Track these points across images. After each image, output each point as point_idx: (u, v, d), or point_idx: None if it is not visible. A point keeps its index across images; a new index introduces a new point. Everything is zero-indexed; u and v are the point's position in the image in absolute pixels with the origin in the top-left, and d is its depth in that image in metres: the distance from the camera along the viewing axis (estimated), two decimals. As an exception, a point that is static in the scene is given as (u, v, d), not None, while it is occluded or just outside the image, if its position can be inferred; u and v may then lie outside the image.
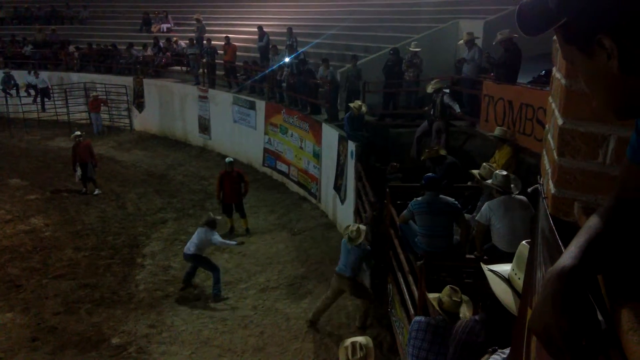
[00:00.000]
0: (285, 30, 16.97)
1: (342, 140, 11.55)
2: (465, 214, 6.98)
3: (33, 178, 15.23)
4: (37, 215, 12.66)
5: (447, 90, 10.68)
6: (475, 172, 7.11)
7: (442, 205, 6.50)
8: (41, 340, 8.37)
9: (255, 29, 18.28)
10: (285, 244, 11.22)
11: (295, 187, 14.08)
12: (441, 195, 6.60)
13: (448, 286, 4.93)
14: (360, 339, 4.61)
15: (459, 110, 10.21)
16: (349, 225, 8.04)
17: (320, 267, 10.15)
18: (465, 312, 4.83)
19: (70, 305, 9.17)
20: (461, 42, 11.63)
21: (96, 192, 14.06)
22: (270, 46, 16.46)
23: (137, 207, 13.32)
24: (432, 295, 5.15)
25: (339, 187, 11.72)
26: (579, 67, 0.93)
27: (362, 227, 7.89)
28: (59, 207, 13.33)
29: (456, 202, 6.69)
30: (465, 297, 5.07)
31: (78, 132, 14.52)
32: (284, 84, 14.67)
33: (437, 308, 4.85)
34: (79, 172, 13.98)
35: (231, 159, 12.26)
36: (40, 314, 9.00)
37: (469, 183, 7.97)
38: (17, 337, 8.45)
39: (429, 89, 10.26)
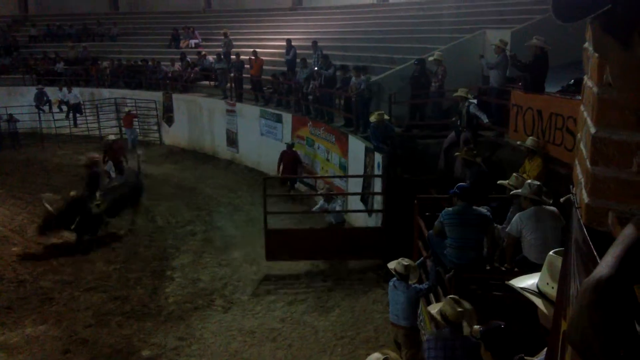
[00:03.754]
0: (310, 44, 17.11)
1: (368, 152, 11.53)
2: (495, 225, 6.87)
3: (66, 192, 15.48)
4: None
5: (474, 101, 10.59)
6: (505, 182, 7.02)
7: (473, 217, 6.34)
8: (73, 352, 8.48)
9: (282, 43, 18.47)
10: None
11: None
12: (474, 207, 6.47)
13: (449, 297, 4.87)
14: (391, 353, 4.56)
15: (487, 120, 10.11)
16: (395, 262, 6.79)
17: (348, 279, 10.13)
18: (468, 322, 4.76)
19: (101, 318, 9.29)
20: (492, 46, 11.45)
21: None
22: (299, 60, 16.57)
23: (166, 220, 13.49)
24: (433, 308, 5.07)
25: (365, 200, 11.69)
26: (612, 59, 0.90)
27: (411, 263, 6.81)
28: (90, 220, 13.53)
29: (488, 213, 6.52)
30: (467, 306, 4.98)
31: (113, 136, 15.86)
32: (310, 97, 14.74)
33: (441, 320, 4.79)
34: (110, 166, 14.72)
35: (292, 142, 14.51)
36: (72, 326, 9.12)
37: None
38: (50, 349, 8.57)
39: (459, 93, 10.16)
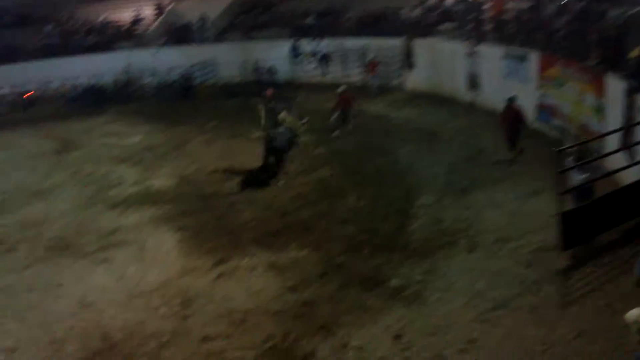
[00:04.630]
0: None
1: (630, 93, 10.42)
2: None
3: (319, 135, 16.94)
4: (324, 167, 14.20)
5: None
6: None
7: None
8: (330, 275, 9.46)
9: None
10: (562, 204, 10.63)
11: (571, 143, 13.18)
12: None
13: None
14: None
15: None
16: None
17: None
18: None
19: (354, 247, 10.17)
20: None
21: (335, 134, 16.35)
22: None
23: (410, 162, 13.99)
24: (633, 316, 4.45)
25: (628, 146, 10.63)
26: None
27: None
28: (342, 159, 14.71)
29: None
30: None
31: (344, 86, 17.33)
32: (561, 32, 13.69)
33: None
34: (334, 116, 16.83)
35: (513, 96, 13.12)
36: (329, 252, 10.16)
37: None
38: (310, 270, 9.67)
39: None
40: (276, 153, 13.83)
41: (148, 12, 31.03)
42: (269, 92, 15.36)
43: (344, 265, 9.72)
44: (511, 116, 12.90)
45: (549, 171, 11.94)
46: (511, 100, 13.01)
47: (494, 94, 16.84)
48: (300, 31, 25.50)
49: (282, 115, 14.12)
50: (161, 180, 14.60)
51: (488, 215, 10.68)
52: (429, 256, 9.67)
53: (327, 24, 25.39)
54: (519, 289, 8.34)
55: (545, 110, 14.48)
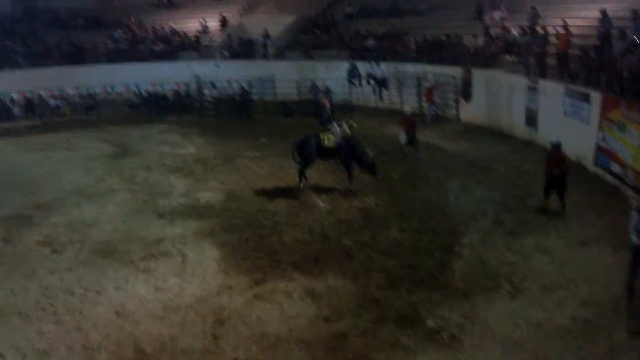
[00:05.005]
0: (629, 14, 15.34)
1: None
2: None
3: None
4: (370, 195, 14.09)
5: None
6: None
7: None
8: (365, 308, 9.30)
9: (595, 13, 16.87)
10: (614, 257, 10.20)
11: (630, 193, 12.65)
12: None
13: None
14: None
15: None
16: None
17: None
18: None
19: (392, 282, 9.99)
20: None
21: (420, 156, 16.89)
22: (615, 31, 14.92)
23: (458, 196, 13.73)
24: None
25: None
26: None
27: None
28: (389, 188, 14.61)
29: None
30: None
31: (407, 109, 18.06)
32: (626, 73, 13.18)
33: None
34: (403, 137, 17.13)
35: (557, 141, 12.42)
36: (367, 284, 10.01)
37: None
38: (346, 301, 9.55)
39: None
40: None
41: (214, 24, 31.80)
42: (325, 101, 15.68)
43: (381, 299, 9.55)
44: (555, 162, 12.11)
45: (603, 220, 11.61)
46: (557, 146, 12.29)
47: (552, 132, 16.34)
48: (359, 53, 25.58)
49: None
50: (209, 193, 14.82)
51: (535, 261, 10.31)
52: (469, 298, 9.40)
53: (387, 48, 25.39)
54: (561, 345, 7.97)
55: (604, 154, 13.93)
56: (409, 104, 21.62)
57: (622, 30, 14.52)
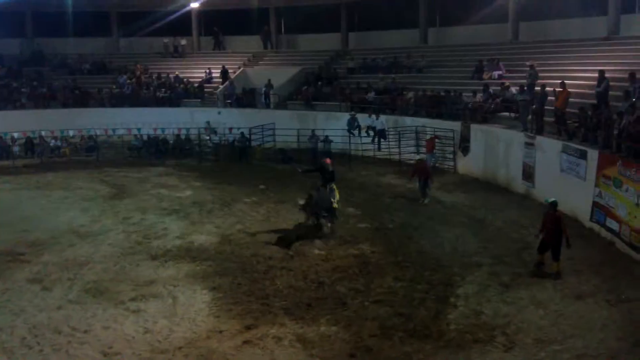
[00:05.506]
0: (626, 76, 15.67)
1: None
2: None
3: (365, 209, 16.98)
4: (365, 242, 14.04)
5: None
6: None
7: None
8: (357, 357, 9.07)
9: (592, 74, 17.25)
10: (610, 311, 10.09)
11: (626, 249, 12.62)
12: None
13: None
14: None
15: None
16: None
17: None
18: None
19: (386, 331, 9.80)
20: None
21: (426, 201, 17.43)
22: (619, 92, 15.20)
23: (454, 247, 13.67)
24: None
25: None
26: None
27: None
28: (385, 237, 14.57)
29: None
30: None
31: (419, 157, 19.01)
32: (623, 133, 13.37)
33: None
34: (416, 184, 17.78)
35: (554, 200, 12.09)
36: (359, 333, 9.80)
37: None
38: (338, 350, 9.32)
39: None
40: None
41: (217, 73, 32.43)
42: (328, 160, 15.72)
43: (374, 348, 9.34)
44: (551, 223, 11.78)
45: (599, 274, 11.55)
46: (553, 205, 11.95)
47: (549, 188, 16.46)
48: (360, 105, 26.01)
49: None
50: (204, 236, 14.75)
51: (530, 314, 10.16)
52: (463, 350, 9.20)
53: (387, 101, 25.83)
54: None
55: (600, 210, 13.96)
56: (407, 155, 21.92)
57: (627, 91, 14.80)
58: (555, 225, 11.68)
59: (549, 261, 11.87)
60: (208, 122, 27.64)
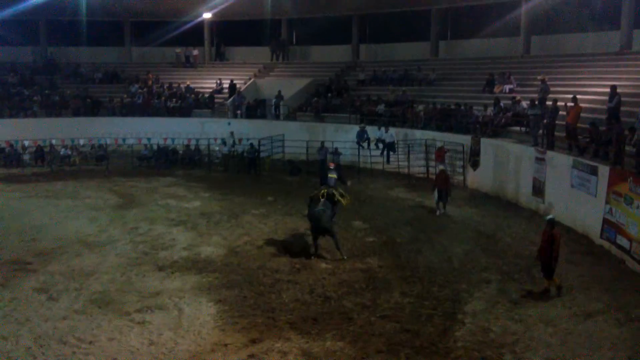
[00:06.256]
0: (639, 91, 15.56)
1: None
2: None
3: (372, 222, 16.88)
4: (373, 256, 13.94)
5: None
6: None
7: None
8: (363, 374, 9.04)
9: (604, 89, 17.12)
10: (620, 330, 9.92)
11: (637, 267, 12.44)
12: None
13: None
14: None
15: None
16: None
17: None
18: None
19: (392, 347, 9.65)
20: None
21: (443, 211, 17.54)
22: (625, 107, 15.10)
23: (462, 263, 13.54)
24: None
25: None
26: None
27: None
28: (393, 251, 14.47)
29: None
30: None
31: (442, 167, 18.99)
32: (634, 149, 13.24)
33: None
34: (435, 195, 17.68)
35: (552, 217, 12.14)
36: (365, 348, 9.66)
37: None
38: (343, 365, 9.29)
39: None
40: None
41: (228, 84, 32.55)
42: (332, 164, 15.96)
43: (379, 365, 9.24)
44: (545, 240, 11.55)
45: (609, 292, 11.38)
46: (550, 222, 11.73)
47: (559, 203, 16.31)
48: (369, 117, 25.99)
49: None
50: (211, 248, 14.71)
51: (538, 332, 10.00)
52: (471, 369, 9.07)
53: (396, 114, 25.79)
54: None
55: (610, 227, 13.79)
56: (417, 169, 21.82)
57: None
58: (547, 244, 11.45)
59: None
60: (232, 133, 27.60)
